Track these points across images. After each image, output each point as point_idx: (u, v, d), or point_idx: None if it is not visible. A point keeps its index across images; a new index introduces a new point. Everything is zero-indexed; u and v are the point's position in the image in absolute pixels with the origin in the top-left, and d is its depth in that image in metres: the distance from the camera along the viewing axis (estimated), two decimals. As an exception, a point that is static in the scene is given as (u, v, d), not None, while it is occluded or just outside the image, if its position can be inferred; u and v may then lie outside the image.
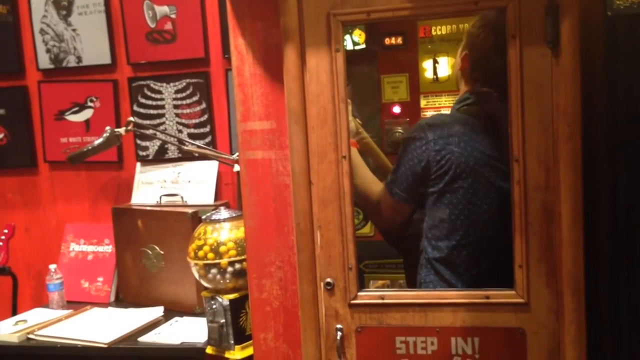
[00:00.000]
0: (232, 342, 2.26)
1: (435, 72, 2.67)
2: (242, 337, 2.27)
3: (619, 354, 1.55)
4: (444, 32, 2.66)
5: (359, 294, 1.77)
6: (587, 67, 1.55)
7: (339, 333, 1.78)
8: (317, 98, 1.73)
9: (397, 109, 2.73)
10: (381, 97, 2.75)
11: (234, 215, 2.37)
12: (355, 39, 2.58)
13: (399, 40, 2.66)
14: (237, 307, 2.27)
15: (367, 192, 1.99)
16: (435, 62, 2.67)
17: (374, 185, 2.00)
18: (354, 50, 2.61)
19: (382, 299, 1.76)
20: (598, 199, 1.55)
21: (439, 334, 1.73)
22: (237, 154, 2.69)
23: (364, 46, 2.59)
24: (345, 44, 1.73)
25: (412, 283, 2.02)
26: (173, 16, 3.07)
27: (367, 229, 2.67)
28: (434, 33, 2.64)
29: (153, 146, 3.21)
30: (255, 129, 1.83)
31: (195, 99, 3.12)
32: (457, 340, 1.73)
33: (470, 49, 1.96)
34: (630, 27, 1.38)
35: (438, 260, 1.88)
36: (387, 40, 2.68)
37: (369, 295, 1.78)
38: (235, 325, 2.26)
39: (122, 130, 2.82)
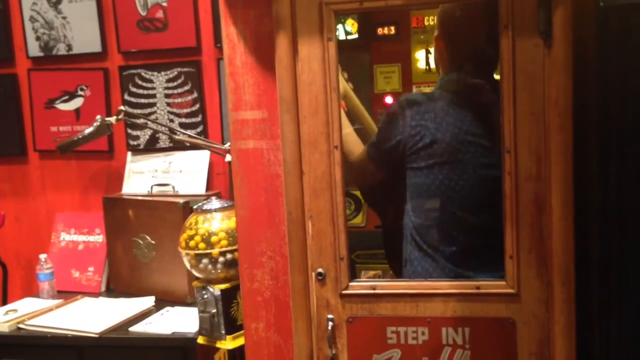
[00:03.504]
0: (224, 332, 2.26)
1: (427, 63, 2.67)
2: (233, 327, 2.27)
3: (608, 344, 1.56)
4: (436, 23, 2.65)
5: (350, 284, 1.77)
6: (579, 58, 1.55)
7: (330, 323, 1.78)
8: (309, 87, 1.72)
9: (389, 99, 2.72)
10: (373, 87, 2.74)
11: (225, 205, 2.37)
12: (348, 29, 2.57)
13: (392, 30, 2.65)
14: (229, 297, 2.26)
15: (346, 150, 1.97)
16: (427, 52, 2.66)
17: (355, 145, 2.02)
18: (346, 40, 2.60)
19: (374, 289, 1.77)
20: (589, 190, 1.56)
21: (430, 324, 1.74)
22: (228, 143, 2.68)
23: (356, 36, 2.58)
24: (337, 33, 1.72)
25: (395, 262, 2.03)
26: (164, 4, 3.05)
27: (359, 220, 2.68)
28: (426, 23, 2.63)
29: (144, 135, 3.19)
30: (246, 119, 1.82)
31: (186, 88, 3.10)
32: (448, 330, 1.73)
33: (443, 30, 1.96)
34: (622, 18, 1.38)
35: (420, 236, 1.90)
36: (379, 30, 2.67)
37: (361, 285, 1.78)
38: (226, 315, 2.26)
39: (112, 119, 2.80)
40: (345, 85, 2.14)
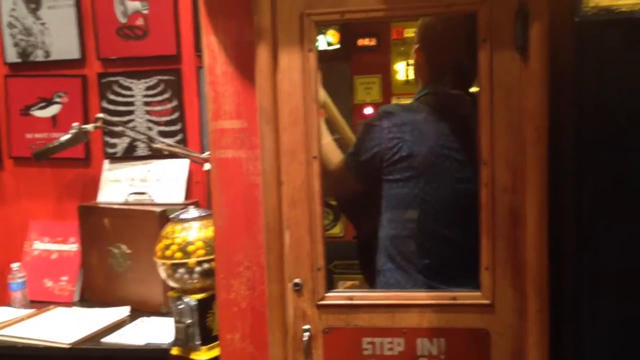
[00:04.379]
0: (199, 342, 2.24)
1: (407, 74, 2.69)
2: (208, 337, 2.25)
3: (582, 355, 1.58)
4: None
5: (327, 294, 1.77)
6: (556, 72, 1.58)
7: (307, 334, 1.78)
8: (289, 98, 1.72)
9: (369, 110, 2.74)
10: (353, 98, 2.76)
11: (203, 214, 2.35)
12: (329, 39, 2.59)
13: (372, 42, 2.67)
14: (204, 308, 2.25)
15: (324, 159, 1.98)
16: (407, 64, 2.69)
17: (334, 154, 2.02)
18: (327, 50, 2.62)
19: (351, 299, 1.77)
20: (564, 202, 1.58)
21: (405, 334, 1.74)
22: (207, 152, 2.68)
23: (337, 46, 2.60)
24: (318, 43, 1.73)
25: (369, 273, 2.04)
26: (145, 12, 3.03)
27: (338, 230, 2.68)
28: (406, 35, 2.66)
29: (122, 143, 3.16)
30: (226, 128, 1.82)
31: (166, 96, 3.08)
32: (424, 341, 1.74)
33: (423, 42, 1.99)
34: (596, 34, 1.41)
35: (393, 247, 1.91)
36: (360, 42, 2.69)
37: (337, 296, 1.78)
38: (202, 326, 2.25)
39: (90, 126, 2.77)
40: (324, 95, 2.15)
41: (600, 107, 1.45)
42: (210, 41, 1.80)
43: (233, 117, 1.81)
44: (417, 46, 2.00)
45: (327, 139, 2.02)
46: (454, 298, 1.72)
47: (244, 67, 1.78)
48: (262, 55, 1.71)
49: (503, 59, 1.61)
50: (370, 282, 2.05)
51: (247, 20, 1.74)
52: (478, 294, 1.70)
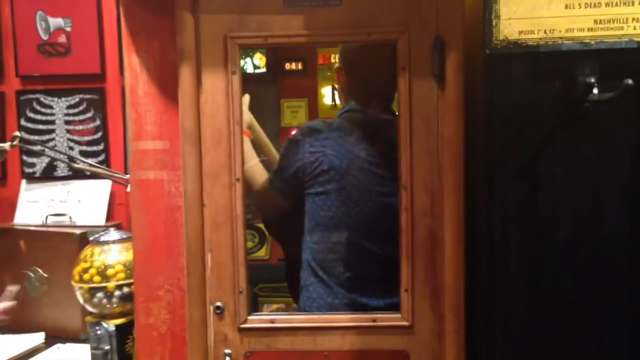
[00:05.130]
0: (117, 369, 2.17)
1: (333, 99, 2.74)
2: (128, 364, 2.19)
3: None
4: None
5: (249, 317, 1.76)
6: (472, 100, 1.64)
7: (227, 358, 1.75)
8: (212, 120, 1.72)
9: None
10: (280, 121, 2.78)
11: (124, 236, 2.29)
12: (257, 63, 2.60)
13: (299, 66, 2.71)
14: (124, 333, 2.18)
15: (251, 180, 2.01)
16: (334, 88, 2.73)
17: (259, 175, 2.03)
18: (254, 74, 2.63)
19: (272, 322, 1.76)
20: (478, 225, 1.64)
21: (327, 357, 1.74)
22: (130, 173, 2.62)
23: (264, 70, 2.61)
24: (245, 66, 1.74)
25: (296, 292, 2.04)
26: (68, 29, 2.97)
27: (263, 252, 2.67)
28: (333, 60, 2.71)
29: (41, 163, 3.06)
30: (147, 149, 1.79)
31: (89, 115, 3.01)
32: (345, 363, 1.75)
33: (343, 62, 2.05)
34: (506, 65, 1.48)
35: (316, 262, 1.92)
36: (287, 65, 2.72)
37: (259, 319, 1.77)
38: (120, 352, 2.18)
39: (6, 145, 2.66)
40: (251, 117, 2.15)
41: (509, 135, 1.52)
42: (132, 60, 1.78)
43: (155, 137, 1.78)
44: (337, 65, 2.06)
45: (254, 161, 2.02)
46: (375, 320, 1.74)
47: (167, 87, 1.76)
48: (185, 76, 1.70)
49: (421, 87, 1.67)
50: (298, 302, 2.05)
51: (170, 40, 1.73)
52: (398, 315, 1.73)
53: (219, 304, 1.75)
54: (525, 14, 1.43)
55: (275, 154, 2.24)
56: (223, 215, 1.73)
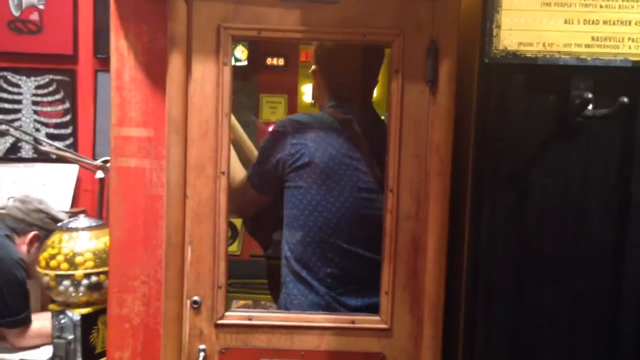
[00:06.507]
0: (80, 360, 2.11)
1: (313, 97, 2.72)
2: (91, 355, 2.13)
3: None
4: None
5: (227, 313, 1.74)
6: (464, 108, 1.66)
7: (202, 354, 1.73)
8: (200, 110, 1.68)
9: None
10: (259, 116, 2.75)
11: (94, 224, 2.23)
12: (238, 55, 2.57)
13: (281, 62, 2.68)
14: (89, 323, 2.13)
15: (230, 178, 1.95)
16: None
17: (238, 172, 1.99)
18: (235, 67, 2.59)
19: (250, 319, 1.74)
20: (463, 232, 1.65)
21: (303, 357, 1.73)
22: (101, 159, 2.55)
23: (245, 63, 2.58)
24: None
25: (276, 290, 2.02)
26: (41, 7, 2.87)
27: (235, 247, 2.64)
28: (315, 58, 2.69)
29: (4, 143, 2.95)
30: (130, 136, 1.74)
31: (58, 97, 2.92)
32: (321, 363, 1.74)
33: (320, 64, 2.03)
34: (504, 76, 1.50)
35: (295, 259, 1.90)
36: (269, 60, 2.69)
37: (237, 315, 1.75)
38: (84, 343, 2.12)
39: (-31, 122, 2.57)
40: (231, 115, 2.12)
41: (500, 144, 1.53)
42: (119, 44, 1.73)
43: (139, 124, 1.73)
44: (313, 68, 2.04)
45: (234, 159, 1.99)
46: (353, 322, 1.74)
47: (155, 74, 1.72)
48: (175, 64, 1.66)
49: (413, 91, 1.67)
50: (277, 300, 2.03)
51: (161, 26, 1.69)
52: (377, 318, 1.73)
53: (196, 298, 1.72)
54: (526, 26, 1.45)
55: (256, 153, 2.21)
56: (206, 207, 1.70)
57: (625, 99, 1.38)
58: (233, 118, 2.13)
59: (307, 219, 1.87)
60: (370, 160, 1.83)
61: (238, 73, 2.64)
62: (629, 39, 1.45)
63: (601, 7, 1.44)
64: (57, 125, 2.92)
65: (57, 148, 2.72)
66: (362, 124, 1.92)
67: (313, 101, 2.73)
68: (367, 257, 1.83)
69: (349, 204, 1.87)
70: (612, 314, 1.54)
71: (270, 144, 1.93)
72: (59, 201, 2.84)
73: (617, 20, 1.45)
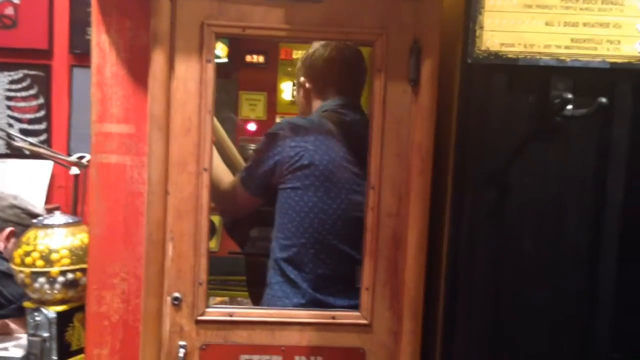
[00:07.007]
0: (56, 358, 2.09)
1: (293, 94, 2.73)
2: (67, 352, 2.10)
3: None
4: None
5: (207, 310, 1.74)
6: (446, 107, 1.68)
7: (182, 350, 1.72)
8: (182, 107, 1.68)
9: (252, 127, 2.74)
10: (238, 113, 2.75)
11: (70, 221, 2.20)
12: (218, 52, 2.56)
13: (260, 59, 2.68)
14: (64, 321, 2.10)
15: (217, 180, 1.96)
16: (294, 84, 2.72)
17: (224, 175, 1.99)
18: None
19: (231, 315, 1.74)
20: (443, 230, 1.67)
21: (284, 352, 1.74)
22: (76, 155, 2.52)
23: (225, 60, 2.58)
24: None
25: (255, 288, 2.03)
26: (16, 1, 2.83)
27: (212, 244, 2.63)
28: (294, 56, 2.70)
29: (-24, 138, 2.90)
30: (111, 132, 1.73)
31: (32, 92, 2.88)
32: (301, 359, 1.75)
33: (308, 73, 2.04)
34: (486, 76, 1.53)
35: (285, 260, 1.90)
36: (248, 58, 2.69)
37: (218, 311, 1.75)
38: (60, 340, 2.09)
39: (-59, 116, 2.51)
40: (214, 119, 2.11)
41: (481, 144, 1.56)
42: (101, 40, 1.71)
43: (120, 121, 1.72)
44: (301, 80, 2.05)
45: (217, 160, 1.98)
46: (334, 317, 1.75)
47: (137, 70, 1.71)
48: (158, 60, 1.65)
49: (396, 90, 1.69)
50: (255, 299, 2.03)
51: (144, 22, 1.68)
52: (357, 313, 1.75)
53: (177, 294, 1.72)
54: (508, 27, 1.48)
55: (238, 156, 2.20)
56: (188, 204, 1.70)
57: (604, 100, 1.42)
58: (215, 119, 2.14)
59: (302, 220, 1.88)
60: (364, 162, 1.84)
61: (218, 70, 2.62)
62: (607, 41, 1.49)
63: (581, 9, 1.48)
64: (31, 121, 2.87)
65: (31, 144, 2.68)
66: (356, 126, 1.94)
67: (292, 99, 2.76)
68: (358, 258, 1.85)
69: (345, 206, 1.89)
70: (587, 311, 1.58)
71: (267, 147, 1.92)
72: (32, 198, 2.80)
73: (596, 23, 1.49)
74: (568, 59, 1.50)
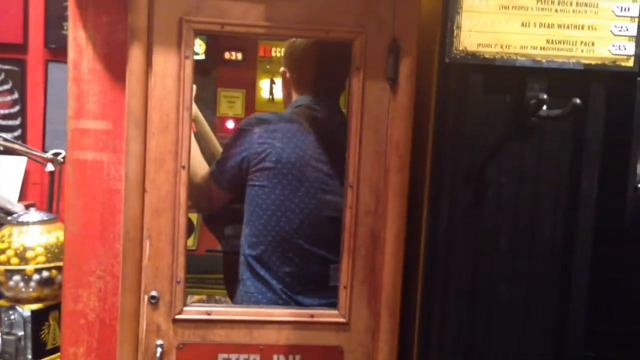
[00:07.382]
0: (30, 357, 2.07)
1: (271, 92, 2.73)
2: (42, 351, 2.10)
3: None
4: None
5: (185, 308, 1.73)
6: (424, 106, 1.69)
7: (159, 349, 1.71)
8: (160, 103, 1.67)
9: (230, 124, 2.73)
10: (216, 110, 2.73)
11: (45, 218, 2.18)
12: (195, 49, 2.54)
13: (239, 56, 2.67)
14: (39, 319, 2.09)
15: (192, 173, 1.90)
16: (272, 82, 2.72)
17: (200, 167, 1.97)
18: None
19: (209, 314, 1.73)
20: (420, 227, 1.69)
21: (262, 351, 1.74)
22: (51, 152, 2.49)
23: (203, 57, 2.56)
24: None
25: (233, 285, 2.02)
26: (-10, -6, 2.78)
27: (190, 242, 2.62)
28: (273, 54, 2.70)
29: (-52, 134, 2.84)
30: (88, 128, 1.71)
31: (6, 87, 2.84)
32: (280, 357, 1.75)
33: (289, 64, 2.02)
34: (462, 76, 1.54)
35: (254, 257, 1.89)
36: (227, 55, 2.68)
37: (195, 310, 1.74)
38: (35, 339, 2.08)
39: None
40: (196, 108, 2.10)
41: (458, 142, 1.58)
42: (77, 35, 1.69)
43: (97, 117, 1.70)
44: (282, 69, 2.03)
45: (196, 152, 1.97)
46: (312, 316, 1.76)
47: (114, 66, 1.69)
48: (135, 56, 1.64)
49: (374, 88, 1.70)
50: (233, 297, 2.02)
51: (121, 17, 1.67)
52: (335, 312, 1.75)
53: (154, 293, 1.71)
54: (485, 28, 1.49)
55: (218, 147, 2.19)
56: (165, 202, 1.69)
57: (578, 100, 1.44)
58: (198, 110, 2.12)
59: (269, 218, 1.87)
60: (335, 161, 1.83)
61: (196, 67, 2.61)
62: (582, 42, 1.51)
63: (556, 11, 1.50)
64: (5, 117, 2.83)
65: (5, 139, 2.64)
66: (329, 124, 1.94)
67: (271, 97, 2.75)
68: (327, 257, 1.85)
69: (313, 205, 1.88)
70: (562, 305, 1.60)
71: (236, 142, 1.90)
72: (6, 195, 2.76)
73: (571, 25, 1.51)
74: (544, 60, 1.51)
